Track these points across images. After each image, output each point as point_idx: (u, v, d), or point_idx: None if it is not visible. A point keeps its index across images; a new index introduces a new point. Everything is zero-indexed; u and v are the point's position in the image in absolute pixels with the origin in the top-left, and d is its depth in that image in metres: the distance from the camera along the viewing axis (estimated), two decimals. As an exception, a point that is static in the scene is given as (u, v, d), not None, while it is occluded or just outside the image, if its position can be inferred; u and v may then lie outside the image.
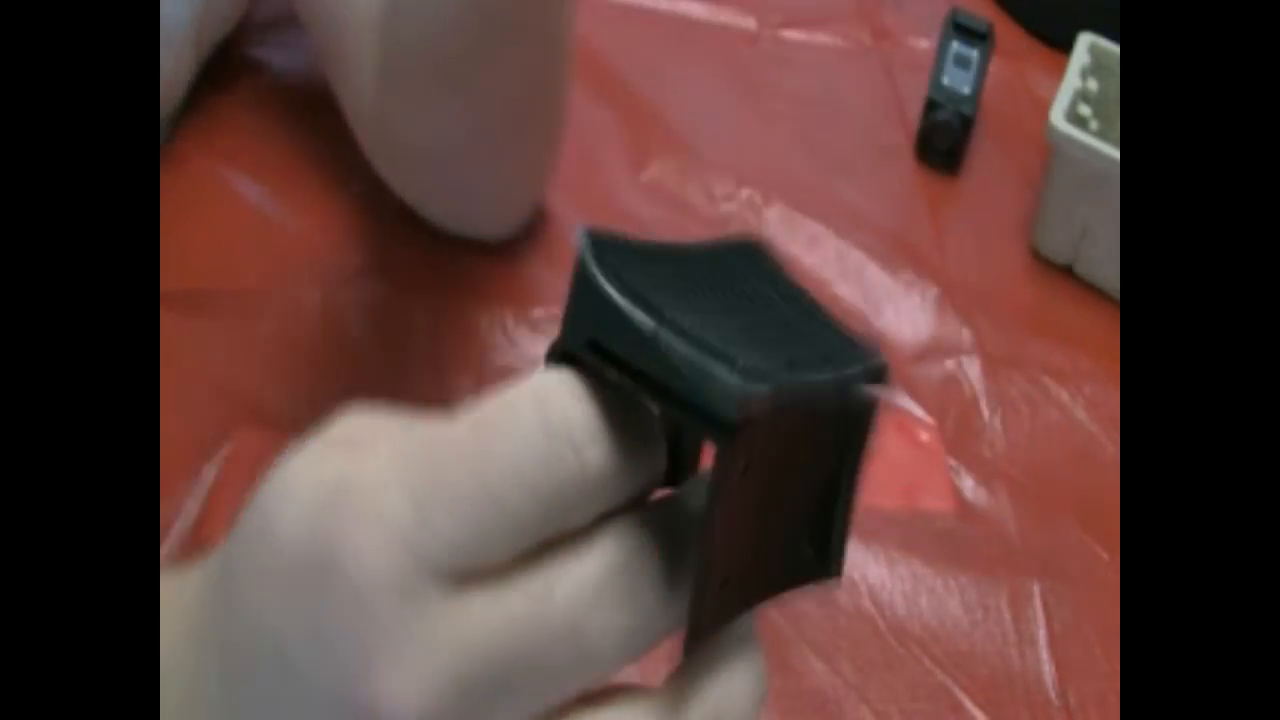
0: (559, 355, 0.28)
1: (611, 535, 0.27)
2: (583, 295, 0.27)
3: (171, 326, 0.59)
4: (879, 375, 0.29)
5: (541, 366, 0.29)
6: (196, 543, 0.53)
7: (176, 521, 0.53)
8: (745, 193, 0.72)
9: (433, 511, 0.26)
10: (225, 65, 0.71)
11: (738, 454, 0.26)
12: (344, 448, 0.29)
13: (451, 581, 0.26)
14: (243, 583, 0.28)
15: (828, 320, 0.30)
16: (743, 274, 0.30)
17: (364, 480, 0.27)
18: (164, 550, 0.52)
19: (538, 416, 0.26)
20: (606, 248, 0.28)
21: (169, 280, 0.59)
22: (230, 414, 0.57)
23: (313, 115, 0.71)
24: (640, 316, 0.26)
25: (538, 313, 0.63)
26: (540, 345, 0.62)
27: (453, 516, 0.26)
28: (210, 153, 0.68)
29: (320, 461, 0.29)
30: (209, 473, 0.55)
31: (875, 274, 0.69)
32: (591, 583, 0.27)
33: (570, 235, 0.27)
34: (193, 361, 0.59)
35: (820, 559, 0.31)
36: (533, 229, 0.68)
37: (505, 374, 0.61)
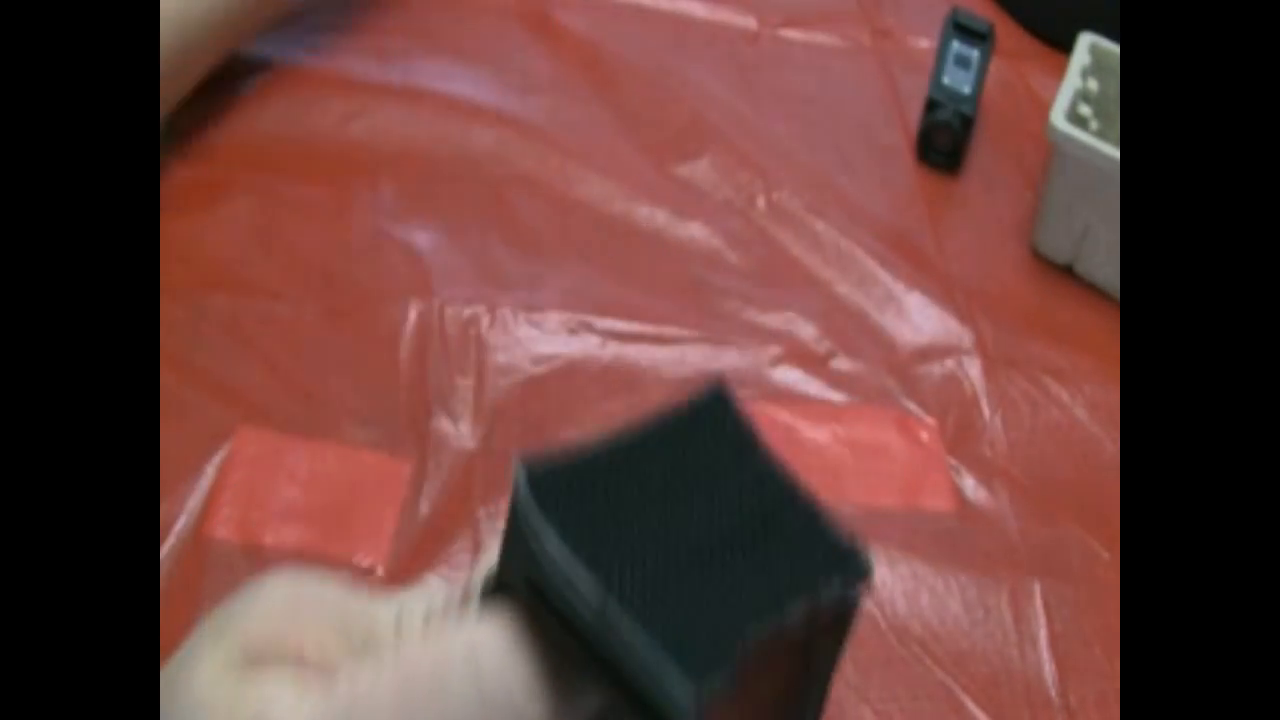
0: (495, 585, 0.27)
1: None
2: (520, 535, 0.25)
3: (171, 326, 0.59)
4: (858, 577, 0.27)
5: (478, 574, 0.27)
6: (196, 543, 0.53)
7: (176, 521, 0.53)
8: (744, 193, 0.72)
9: None
10: (225, 65, 0.71)
11: None
12: (254, 675, 0.27)
13: None
14: None
15: (801, 505, 0.27)
16: (709, 456, 0.27)
17: None
18: (164, 550, 0.52)
19: (473, 686, 0.25)
20: (547, 480, 0.25)
21: (169, 280, 0.59)
22: (230, 414, 0.57)
23: (312, 115, 0.71)
24: (586, 585, 0.24)
25: (540, 306, 0.63)
26: (543, 345, 0.62)
27: None
28: (210, 153, 0.68)
29: (233, 693, 0.27)
30: (209, 473, 0.55)
31: (875, 274, 0.69)
32: None
33: (510, 468, 0.25)
34: (193, 361, 0.59)
35: None
36: (524, 225, 0.68)
37: (507, 373, 0.61)
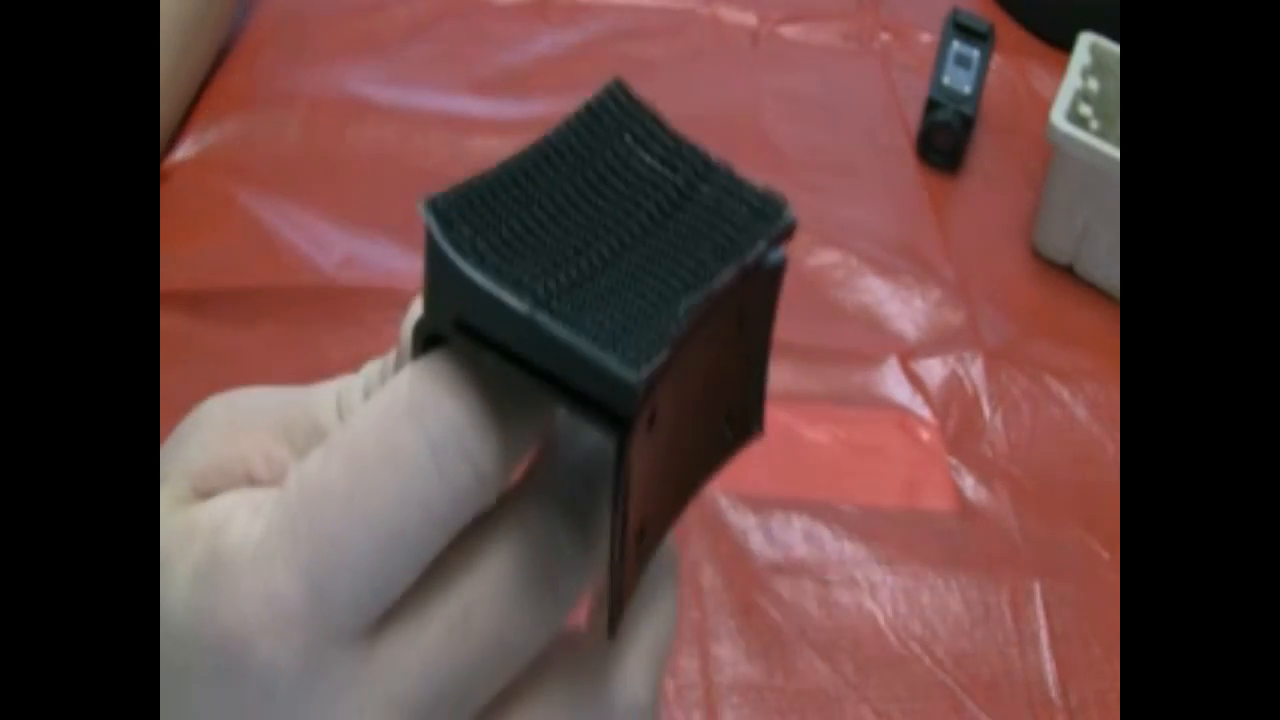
0: (425, 337, 0.26)
1: (513, 530, 0.25)
2: (441, 275, 0.25)
3: (171, 326, 0.59)
4: (783, 232, 0.27)
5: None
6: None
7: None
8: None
9: (327, 578, 0.24)
10: (223, 67, 0.71)
11: (636, 440, 0.24)
12: (203, 498, 0.27)
13: (362, 634, 0.24)
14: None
15: (716, 173, 0.28)
16: (615, 149, 0.27)
17: (242, 555, 0.25)
18: (164, 550, 0.52)
19: (421, 437, 0.24)
20: (456, 213, 0.25)
21: (169, 280, 0.59)
22: (231, 414, 0.57)
23: (310, 115, 0.71)
24: (510, 299, 0.24)
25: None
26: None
27: (350, 574, 0.24)
28: (209, 154, 0.68)
29: (186, 521, 0.27)
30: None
31: (876, 273, 0.69)
32: (507, 590, 0.25)
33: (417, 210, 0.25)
34: (193, 361, 0.59)
35: (741, 430, 0.29)
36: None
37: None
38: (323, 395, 0.28)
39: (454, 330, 0.25)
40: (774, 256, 0.28)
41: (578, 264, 0.25)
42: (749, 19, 0.83)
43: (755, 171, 0.77)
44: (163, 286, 0.59)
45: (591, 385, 0.24)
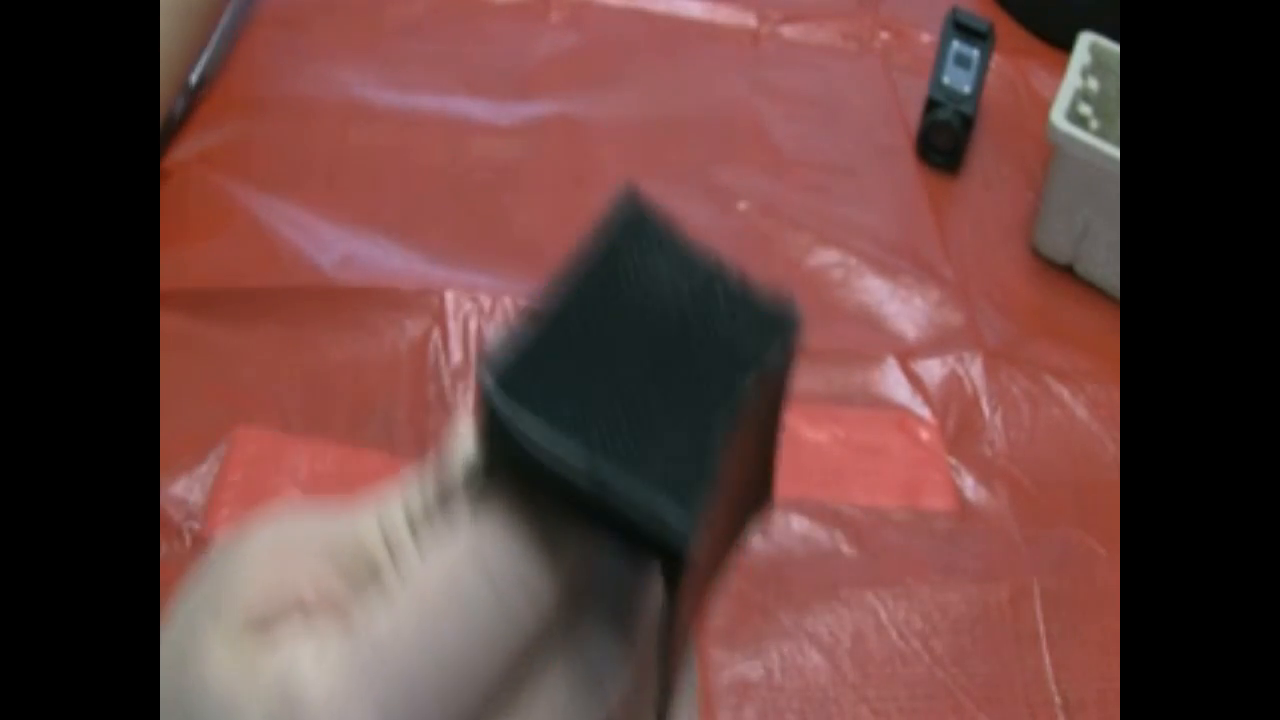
0: (478, 476, 0.27)
1: (567, 648, 0.27)
2: (498, 427, 0.26)
3: (171, 326, 0.59)
4: (794, 334, 0.29)
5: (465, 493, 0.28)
6: (196, 543, 0.53)
7: (177, 521, 0.53)
8: (743, 192, 0.72)
9: (402, 718, 0.25)
10: (224, 67, 0.71)
11: (689, 572, 0.26)
12: (265, 636, 0.27)
13: None
14: None
15: (727, 281, 0.29)
16: (637, 266, 0.29)
17: (317, 703, 0.25)
18: (164, 550, 0.52)
19: (485, 583, 0.26)
20: (510, 369, 0.26)
21: (169, 280, 0.59)
22: (230, 414, 0.57)
23: (309, 115, 0.71)
24: (572, 453, 0.25)
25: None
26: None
27: (423, 714, 0.25)
28: (209, 154, 0.68)
29: (251, 665, 0.27)
30: (209, 473, 0.55)
31: (876, 274, 0.69)
32: (562, 700, 0.27)
33: (480, 375, 0.26)
34: (193, 361, 0.59)
35: (755, 505, 0.31)
36: (524, 226, 0.68)
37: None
38: (365, 520, 0.29)
39: (508, 472, 0.26)
40: (789, 357, 0.29)
41: (624, 400, 0.27)
42: (749, 19, 0.83)
43: (755, 171, 0.77)
44: (163, 286, 0.59)
45: (647, 529, 0.25)
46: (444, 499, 0.29)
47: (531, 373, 0.26)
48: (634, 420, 0.26)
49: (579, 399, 0.26)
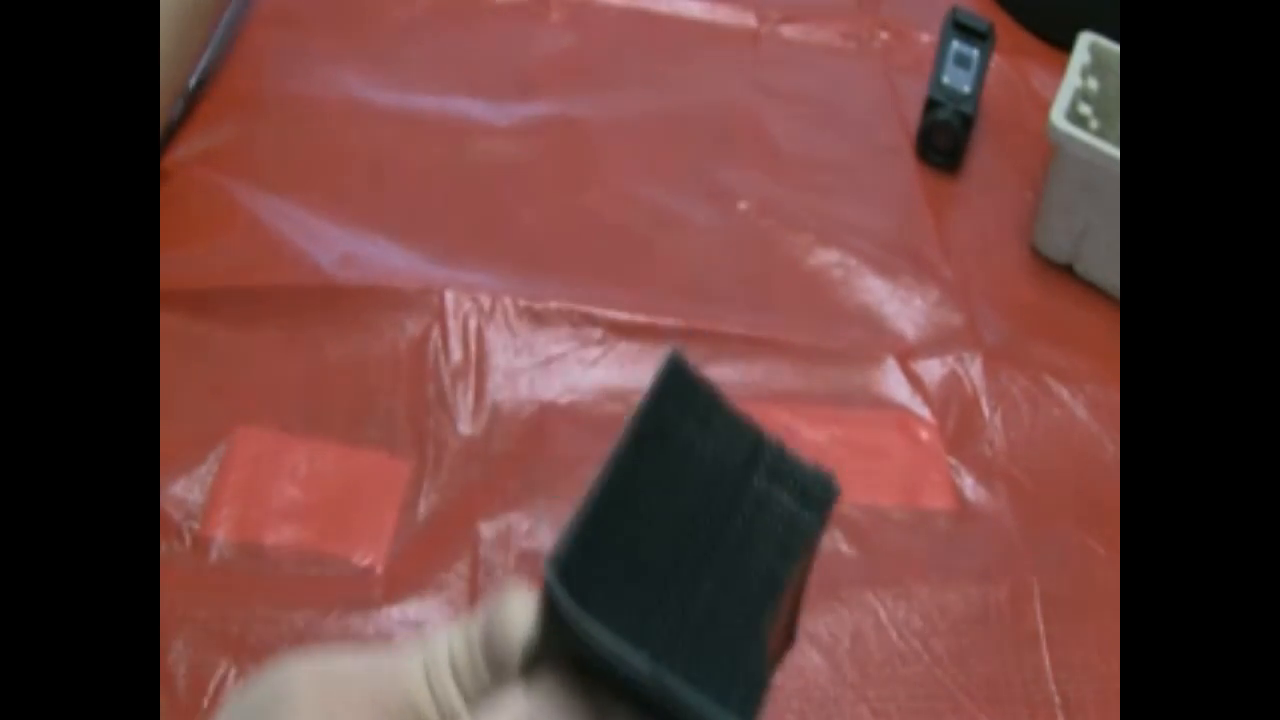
0: (533, 656, 0.29)
1: None
2: (562, 626, 0.27)
3: (171, 326, 0.59)
4: (830, 506, 0.31)
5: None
6: (196, 542, 0.53)
7: (176, 521, 0.53)
8: (744, 193, 0.72)
9: None
10: (224, 67, 0.71)
11: None
12: None
13: None
14: None
15: (767, 452, 0.30)
16: (683, 443, 0.30)
17: None
18: (164, 550, 0.52)
19: None
20: (576, 567, 0.27)
21: (169, 280, 0.59)
22: (230, 414, 0.57)
23: (310, 115, 0.71)
24: (636, 659, 0.26)
25: (540, 306, 0.63)
26: (544, 340, 0.62)
27: None
28: (210, 154, 0.68)
29: None
30: (209, 473, 0.55)
31: (876, 274, 0.69)
32: None
33: (541, 569, 0.27)
34: (193, 361, 0.59)
35: (782, 649, 0.32)
36: (524, 226, 0.68)
37: (509, 374, 0.61)
38: (410, 666, 0.30)
39: (567, 660, 0.28)
40: (822, 526, 0.31)
41: (675, 594, 0.28)
42: (749, 19, 0.83)
43: (755, 171, 0.77)
44: (163, 286, 0.59)
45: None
46: (494, 665, 0.30)
47: (591, 565, 0.27)
48: (690, 622, 0.28)
49: (638, 597, 0.27)
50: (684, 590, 0.28)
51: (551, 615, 0.27)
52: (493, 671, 0.30)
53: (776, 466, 0.31)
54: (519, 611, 0.30)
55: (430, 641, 0.31)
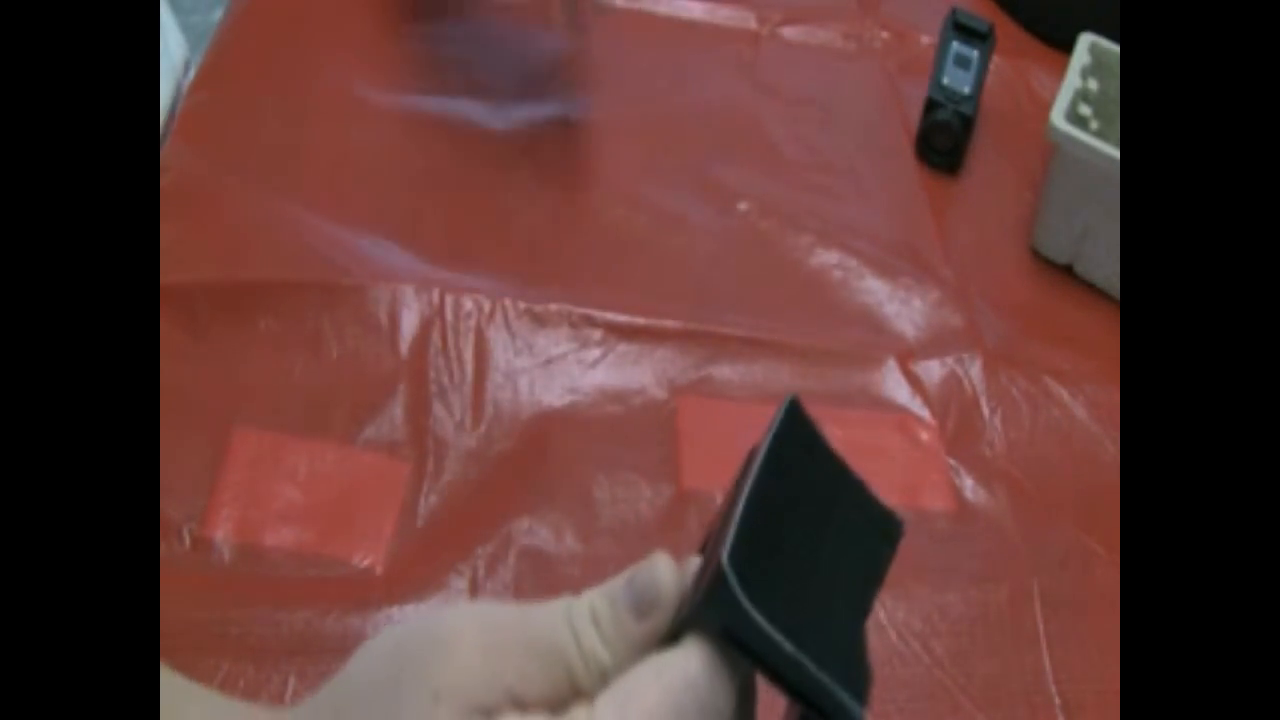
0: (687, 623, 0.33)
1: None
2: (725, 606, 0.32)
3: (171, 326, 0.59)
4: (900, 538, 0.36)
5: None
6: (196, 543, 0.53)
7: (176, 521, 0.53)
8: (743, 193, 0.72)
9: None
10: (224, 66, 0.71)
11: None
12: (479, 716, 0.32)
13: None
14: None
15: (855, 490, 0.36)
16: (803, 476, 0.35)
17: None
18: (164, 550, 0.52)
19: (698, 711, 0.32)
20: (744, 568, 0.32)
21: (169, 279, 0.59)
22: (230, 414, 0.57)
23: (310, 116, 0.71)
24: (786, 648, 0.32)
25: (540, 308, 0.63)
26: (543, 341, 0.62)
27: None
28: (210, 152, 0.68)
29: None
30: (209, 473, 0.55)
31: (875, 274, 0.69)
32: None
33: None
34: (193, 361, 0.59)
35: None
36: (524, 227, 0.68)
37: (508, 375, 0.61)
38: (555, 617, 0.34)
39: (719, 634, 0.32)
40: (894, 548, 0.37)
41: (815, 605, 0.34)
42: (749, 20, 0.83)
43: (755, 171, 0.77)
44: (163, 285, 0.59)
45: (826, 706, 0.32)
46: (639, 615, 0.34)
47: (748, 557, 0.32)
48: (812, 615, 0.33)
49: (783, 589, 0.33)
50: (815, 588, 0.34)
51: (717, 593, 0.32)
52: (637, 622, 0.33)
53: (860, 495, 0.36)
54: (666, 572, 0.33)
55: (575, 598, 0.34)
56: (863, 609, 0.35)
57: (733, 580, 0.32)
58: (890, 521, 0.36)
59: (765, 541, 0.34)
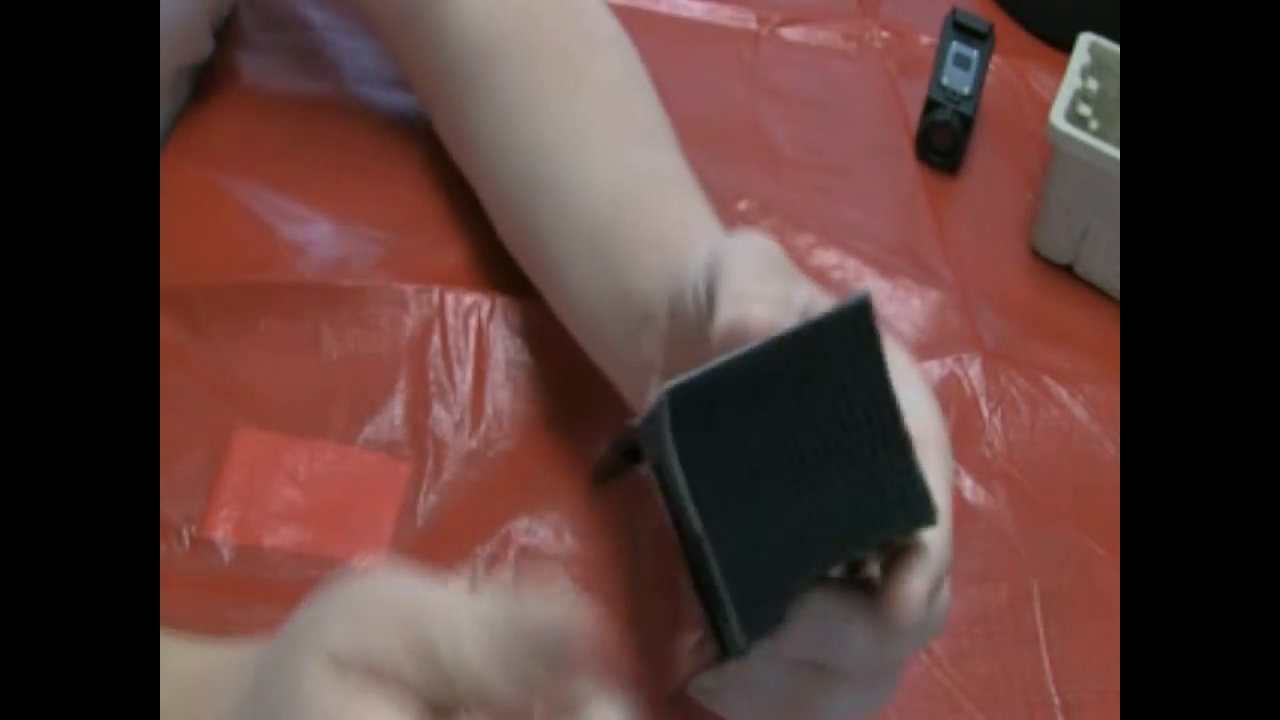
0: (625, 442, 0.31)
1: None
2: (656, 442, 0.29)
3: (171, 326, 0.59)
4: (925, 524, 0.32)
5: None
6: (196, 543, 0.53)
7: (176, 521, 0.53)
8: (743, 193, 0.72)
9: None
10: (220, 67, 0.71)
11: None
12: (340, 676, 0.32)
13: None
14: None
15: (897, 439, 0.31)
16: (833, 380, 0.30)
17: None
18: (164, 550, 0.52)
19: None
20: (686, 399, 0.29)
21: (169, 279, 0.59)
22: (230, 414, 0.57)
23: (309, 115, 0.71)
24: (693, 516, 0.29)
25: (541, 306, 0.63)
26: (543, 344, 0.62)
27: None
28: (209, 151, 0.68)
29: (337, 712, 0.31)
30: (208, 473, 0.55)
31: (875, 274, 0.69)
32: None
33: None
34: (192, 361, 0.59)
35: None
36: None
37: (507, 368, 0.61)
38: (439, 615, 0.32)
39: (651, 465, 0.30)
40: (914, 537, 0.33)
41: (751, 499, 0.29)
42: (749, 20, 0.83)
43: (755, 172, 0.77)
44: (163, 285, 0.59)
45: (716, 616, 0.30)
46: (538, 657, 0.31)
47: (698, 412, 0.29)
48: (750, 529, 0.29)
49: (720, 475, 0.29)
50: (762, 493, 0.30)
51: (651, 427, 0.29)
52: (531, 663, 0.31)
53: (898, 459, 0.31)
54: (574, 629, 0.31)
55: (474, 596, 0.32)
56: (820, 561, 0.31)
57: (667, 412, 0.29)
58: (921, 502, 0.32)
59: (742, 406, 0.30)
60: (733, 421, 0.29)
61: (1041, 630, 0.56)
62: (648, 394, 0.35)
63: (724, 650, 0.30)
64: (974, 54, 0.76)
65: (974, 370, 0.65)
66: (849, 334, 0.31)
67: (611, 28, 0.63)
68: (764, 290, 0.34)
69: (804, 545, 0.30)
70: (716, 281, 0.36)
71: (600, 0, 0.64)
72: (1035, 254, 0.72)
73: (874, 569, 0.34)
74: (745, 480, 0.29)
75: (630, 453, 0.32)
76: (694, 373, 0.29)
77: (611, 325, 0.52)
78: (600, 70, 0.61)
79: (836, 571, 0.32)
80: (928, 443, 0.35)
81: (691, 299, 0.38)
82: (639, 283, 0.50)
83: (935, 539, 0.34)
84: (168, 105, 0.67)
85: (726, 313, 0.33)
